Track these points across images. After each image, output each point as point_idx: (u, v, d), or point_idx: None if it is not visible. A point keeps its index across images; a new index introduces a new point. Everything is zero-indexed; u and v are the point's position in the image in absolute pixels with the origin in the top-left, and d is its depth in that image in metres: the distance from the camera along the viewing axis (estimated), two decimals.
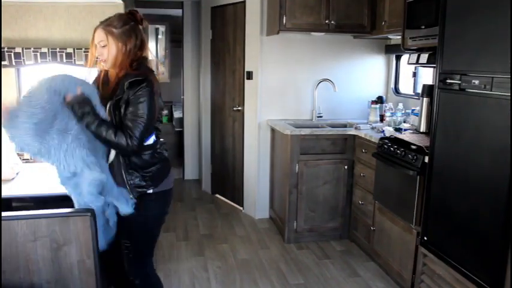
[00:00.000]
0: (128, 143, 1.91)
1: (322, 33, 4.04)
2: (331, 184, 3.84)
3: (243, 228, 4.26)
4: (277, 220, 4.21)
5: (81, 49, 3.51)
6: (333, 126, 4.10)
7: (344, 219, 3.93)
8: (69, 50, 3.55)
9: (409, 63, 3.41)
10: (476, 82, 2.23)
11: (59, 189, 2.02)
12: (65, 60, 3.57)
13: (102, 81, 2.12)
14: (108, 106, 1.99)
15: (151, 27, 7.17)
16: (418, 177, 2.76)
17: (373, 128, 3.74)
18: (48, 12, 3.64)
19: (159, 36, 7.39)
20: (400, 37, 3.40)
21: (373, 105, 4.15)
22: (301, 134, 3.74)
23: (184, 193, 5.35)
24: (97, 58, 2.05)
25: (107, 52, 2.01)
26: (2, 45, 3.48)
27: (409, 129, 3.41)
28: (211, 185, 5.30)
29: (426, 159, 2.67)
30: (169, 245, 3.81)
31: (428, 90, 3.24)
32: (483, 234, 2.22)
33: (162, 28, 7.30)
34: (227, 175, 4.99)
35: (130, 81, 1.95)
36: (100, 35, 2.01)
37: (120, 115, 1.97)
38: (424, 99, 3.29)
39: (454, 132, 2.42)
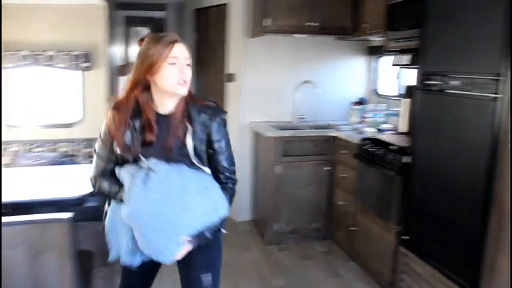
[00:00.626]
0: (235, 182, 1.80)
1: (305, 35, 4.06)
2: (314, 185, 3.86)
3: None
4: (259, 222, 4.22)
5: (62, 52, 3.48)
6: (315, 127, 4.11)
7: (326, 220, 3.94)
8: (51, 53, 3.51)
9: (393, 65, 3.43)
10: (457, 83, 2.27)
11: (38, 195, 2.00)
12: (46, 63, 3.54)
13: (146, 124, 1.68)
14: (193, 148, 1.69)
15: (133, 30, 7.14)
16: (398, 177, 2.79)
17: (354, 129, 3.77)
18: (28, 14, 3.60)
19: None
20: (382, 39, 3.43)
21: (354, 107, 4.18)
22: (284, 136, 3.75)
23: None
24: (183, 81, 1.63)
25: (190, 73, 1.66)
26: None
27: (389, 130, 3.45)
28: None
29: (406, 160, 2.70)
30: None
31: (410, 91, 3.27)
32: (462, 233, 2.26)
33: (145, 31, 7.27)
34: None
35: (213, 111, 1.71)
36: (186, 51, 1.66)
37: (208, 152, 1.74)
38: (406, 100, 3.32)
39: (434, 132, 2.45)
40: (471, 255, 2.19)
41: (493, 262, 2.07)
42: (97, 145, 1.74)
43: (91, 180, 1.76)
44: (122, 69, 5.58)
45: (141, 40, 1.67)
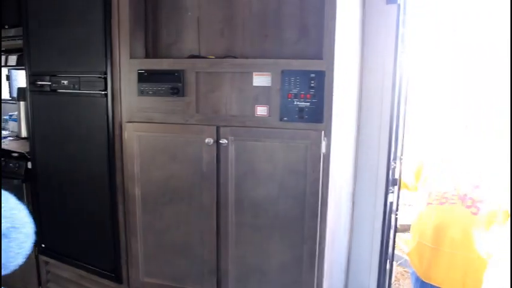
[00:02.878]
0: None
1: None
2: None
3: None
4: None
5: None
6: None
7: None
8: None
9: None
10: (66, 82, 2.28)
11: None
12: None
13: None
14: None
15: None
16: (24, 184, 2.62)
17: None
18: None
19: None
20: None
21: None
22: None
23: None
24: None
25: None
26: None
27: (9, 137, 3.19)
28: None
29: (30, 165, 2.57)
30: None
31: (23, 94, 3.09)
32: (96, 226, 2.33)
33: None
34: None
35: None
36: None
37: None
38: (21, 103, 3.13)
39: (53, 133, 2.40)
40: (108, 245, 2.29)
41: (128, 245, 2.23)
42: None
43: None
44: None
45: None
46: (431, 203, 2.54)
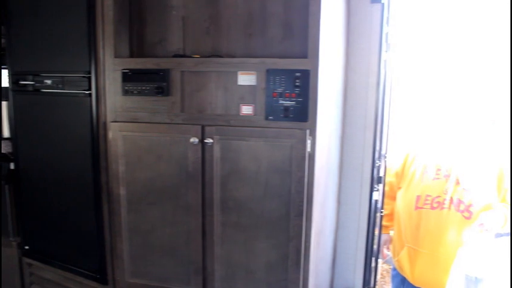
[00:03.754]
0: None
1: None
2: None
3: None
4: None
5: None
6: None
7: None
8: None
9: None
10: (49, 82, 2.25)
11: None
12: None
13: None
14: None
15: None
16: (7, 186, 2.58)
17: None
18: None
19: None
20: None
21: None
22: None
23: None
24: None
25: None
26: None
27: None
28: None
29: (12, 166, 2.53)
30: None
31: (5, 93, 3.05)
32: (81, 227, 2.31)
33: None
34: None
35: None
36: None
37: None
38: (3, 103, 3.08)
39: (37, 134, 2.38)
40: (93, 245, 2.27)
41: (113, 246, 2.22)
42: None
43: None
44: None
45: None
46: (421, 207, 2.46)
